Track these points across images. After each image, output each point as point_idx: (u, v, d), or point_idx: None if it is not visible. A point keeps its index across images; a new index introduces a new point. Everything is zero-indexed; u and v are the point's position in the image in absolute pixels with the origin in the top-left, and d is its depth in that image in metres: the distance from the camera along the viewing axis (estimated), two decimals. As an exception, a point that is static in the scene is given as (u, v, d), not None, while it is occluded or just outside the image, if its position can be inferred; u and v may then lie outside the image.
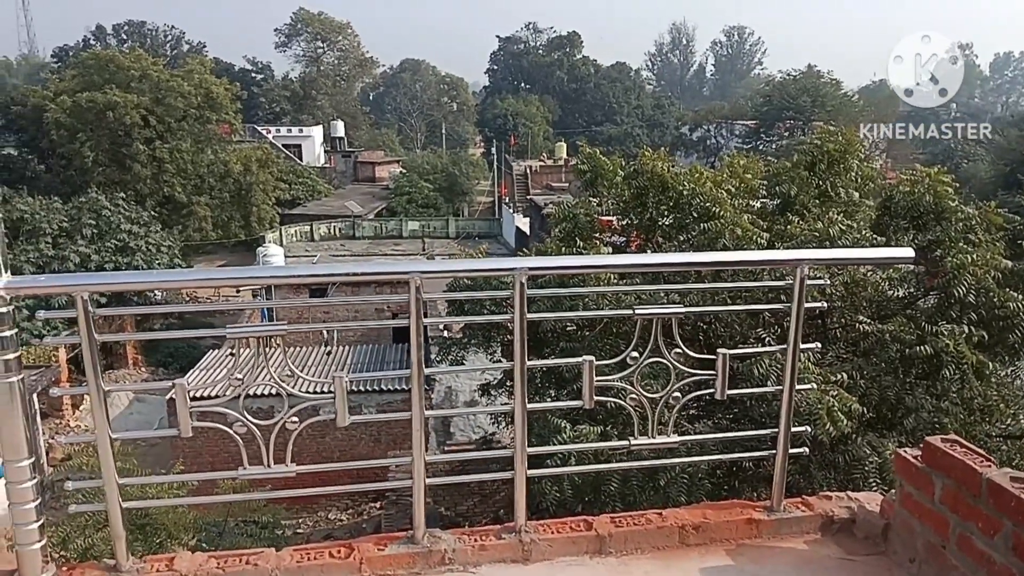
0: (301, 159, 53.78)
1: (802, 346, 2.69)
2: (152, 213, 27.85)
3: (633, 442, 2.68)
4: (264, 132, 52.76)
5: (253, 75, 66.58)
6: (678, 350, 2.59)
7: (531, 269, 2.50)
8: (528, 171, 53.61)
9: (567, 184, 46.71)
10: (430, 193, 45.53)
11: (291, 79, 71.00)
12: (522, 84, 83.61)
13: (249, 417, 2.45)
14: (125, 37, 61.91)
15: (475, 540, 2.63)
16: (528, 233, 30.37)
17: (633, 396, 2.60)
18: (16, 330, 2.26)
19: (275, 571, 2.49)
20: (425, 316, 2.40)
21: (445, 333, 18.34)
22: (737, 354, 5.80)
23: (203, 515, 11.06)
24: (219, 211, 35.44)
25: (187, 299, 26.97)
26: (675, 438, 2.72)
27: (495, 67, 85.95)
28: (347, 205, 42.37)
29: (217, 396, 2.43)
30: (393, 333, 25.50)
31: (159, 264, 25.91)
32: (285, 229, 35.39)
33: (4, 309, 2.21)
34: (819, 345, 3.34)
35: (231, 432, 2.50)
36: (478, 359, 11.99)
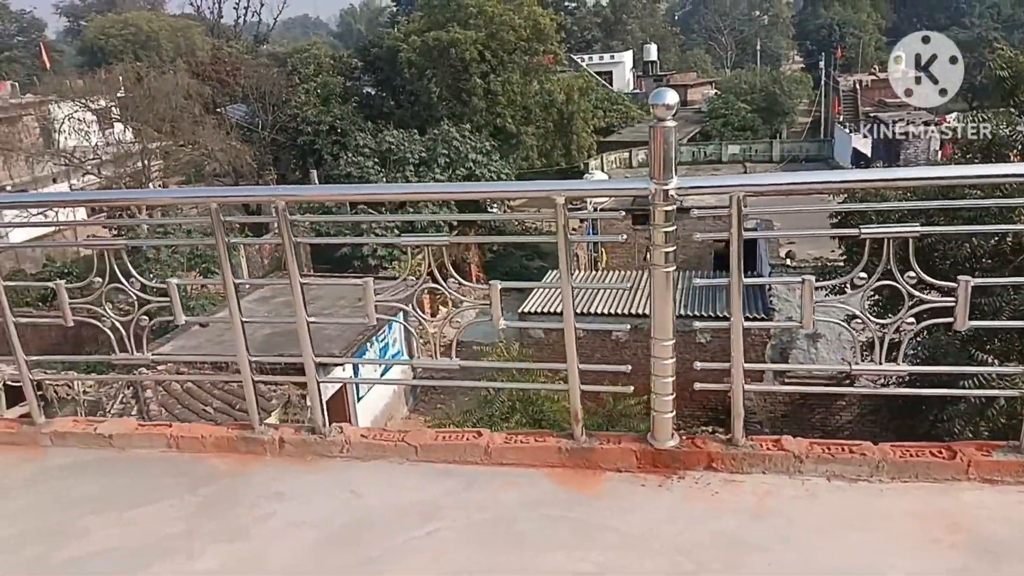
0: (611, 86, 54.21)
1: None
2: (491, 143, 30.16)
3: None
4: (578, 60, 53.86)
5: (566, 3, 67.81)
6: None
7: None
8: (857, 86, 48.76)
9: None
10: (747, 115, 43.46)
11: (601, 5, 71.24)
12: (849, -12, 75.26)
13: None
14: (455, -24, 66.25)
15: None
16: (869, 155, 27.74)
17: None
18: (675, 227, 2.58)
19: (882, 463, 2.64)
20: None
21: (788, 262, 17.69)
22: None
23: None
24: (543, 140, 37.20)
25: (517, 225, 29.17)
26: None
27: (818, -28, 78.17)
28: (662, 130, 41.99)
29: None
30: (714, 260, 25.21)
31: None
32: (605, 156, 36.19)
33: (670, 207, 2.52)
34: None
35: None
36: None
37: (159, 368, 11.28)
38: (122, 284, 2.98)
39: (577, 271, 23.04)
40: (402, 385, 20.69)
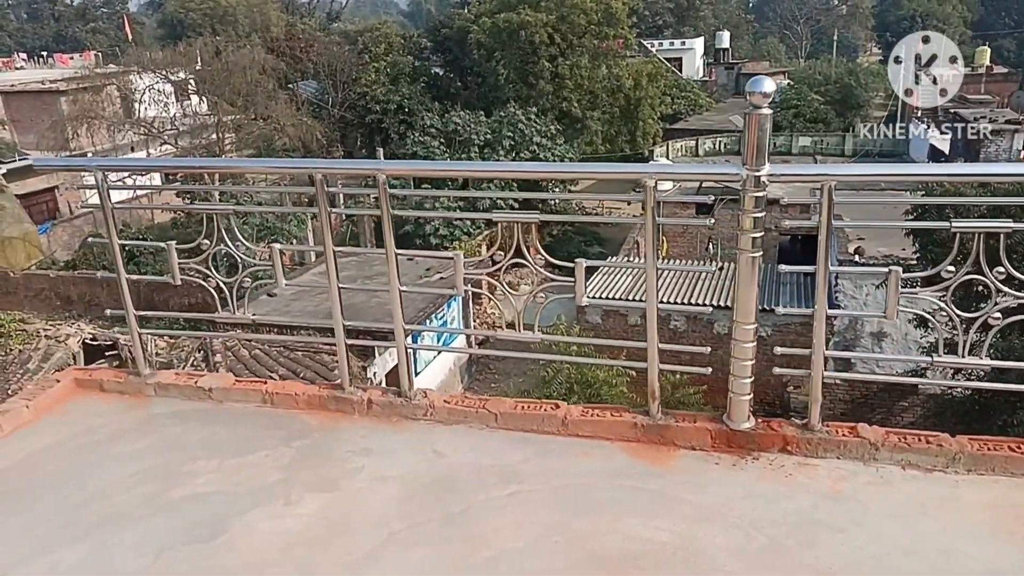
0: (681, 72, 53.41)
1: None
2: (557, 128, 30.12)
3: None
4: (648, 46, 53.18)
5: (638, -12, 66.89)
6: None
7: None
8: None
9: (990, 96, 40.13)
10: (820, 107, 42.30)
11: (675, -10, 70.05)
12: (934, -21, 72.36)
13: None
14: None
15: None
16: (947, 152, 26.79)
17: None
18: (763, 213, 2.64)
19: (958, 455, 2.66)
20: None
21: (857, 258, 17.30)
22: None
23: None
24: (608, 126, 36.94)
25: (577, 209, 29.09)
26: None
27: (902, -39, 75.31)
28: (731, 120, 41.30)
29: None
30: (778, 254, 24.77)
31: (565, 174, 27.93)
32: (671, 144, 35.78)
33: (761, 194, 2.58)
34: None
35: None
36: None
37: (237, 331, 11.71)
38: (228, 247, 3.18)
39: (638, 258, 22.99)
40: (473, 355, 21.02)
